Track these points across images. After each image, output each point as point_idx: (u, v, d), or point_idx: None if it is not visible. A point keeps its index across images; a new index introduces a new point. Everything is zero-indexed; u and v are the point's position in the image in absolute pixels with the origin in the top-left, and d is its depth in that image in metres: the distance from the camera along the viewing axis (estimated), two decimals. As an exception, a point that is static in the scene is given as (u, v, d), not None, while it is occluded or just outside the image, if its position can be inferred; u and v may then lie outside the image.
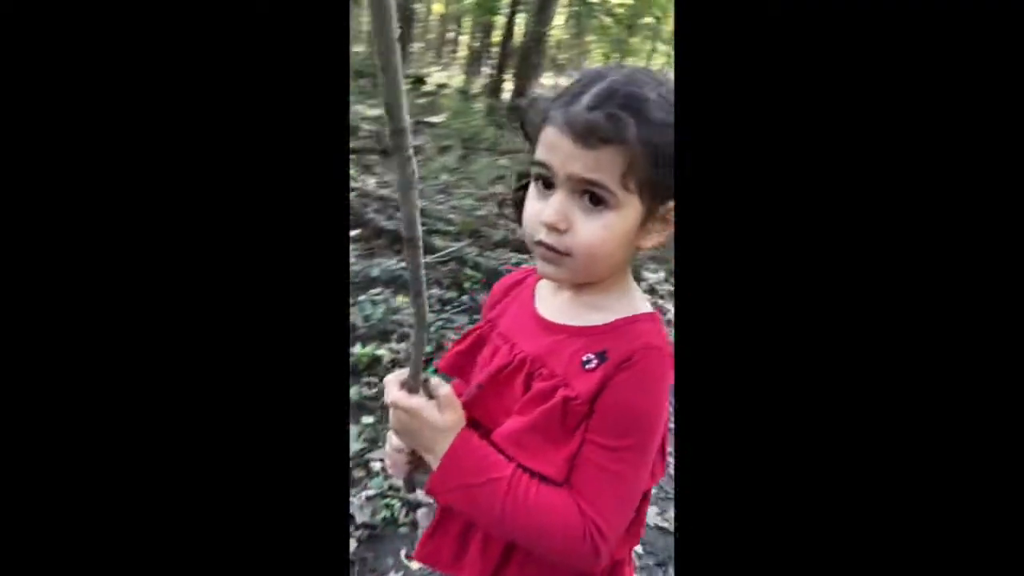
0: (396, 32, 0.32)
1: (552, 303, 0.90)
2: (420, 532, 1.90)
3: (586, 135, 0.74)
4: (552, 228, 0.77)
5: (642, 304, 0.88)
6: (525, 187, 0.87)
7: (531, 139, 0.84)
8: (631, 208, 0.77)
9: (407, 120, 0.37)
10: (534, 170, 0.81)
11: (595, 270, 0.82)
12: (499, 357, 0.88)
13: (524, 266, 1.04)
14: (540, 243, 0.79)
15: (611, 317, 0.84)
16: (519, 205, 0.89)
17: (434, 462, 0.80)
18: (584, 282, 0.85)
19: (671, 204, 0.79)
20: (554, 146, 0.77)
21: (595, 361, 0.80)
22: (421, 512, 1.97)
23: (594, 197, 0.76)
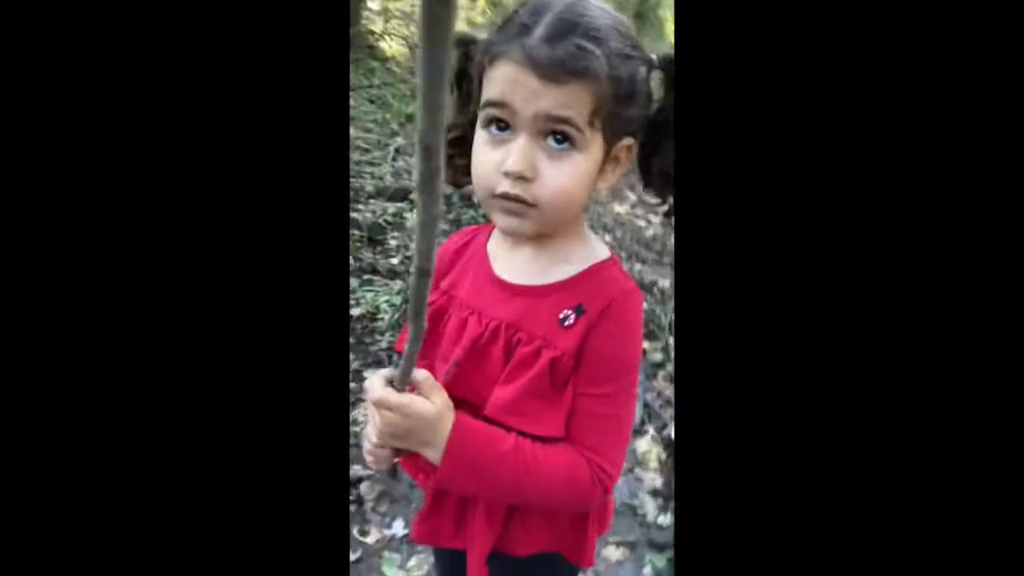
0: (449, 69, 0.31)
1: (511, 263, 0.86)
2: (367, 506, 1.89)
3: (554, 69, 0.68)
4: (519, 177, 0.71)
5: (601, 249, 0.87)
6: (459, 139, 0.82)
7: (467, 80, 0.78)
8: (595, 147, 0.74)
9: (442, 162, 0.35)
10: (486, 112, 0.73)
11: (562, 218, 0.78)
12: (470, 329, 0.83)
13: (466, 227, 0.97)
14: (504, 196, 0.73)
15: (576, 268, 0.83)
16: (455, 158, 0.84)
17: (434, 454, 0.76)
18: (545, 233, 0.81)
19: (628, 141, 0.77)
20: (513, 83, 0.70)
21: (573, 316, 0.79)
22: (364, 486, 1.96)
23: (561, 137, 0.71)
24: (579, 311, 0.79)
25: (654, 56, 0.78)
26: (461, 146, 0.82)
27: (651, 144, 0.82)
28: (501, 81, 0.72)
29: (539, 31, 0.69)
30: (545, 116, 0.70)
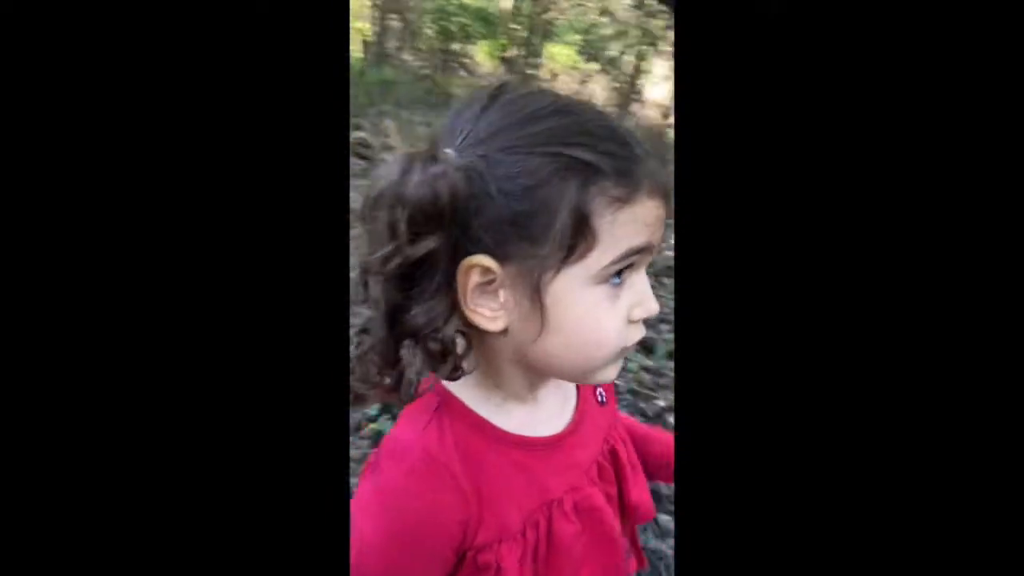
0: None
1: (540, 415, 0.66)
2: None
3: (668, 192, 0.54)
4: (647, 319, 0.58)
5: None
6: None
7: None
8: None
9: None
10: (620, 264, 0.53)
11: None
12: (590, 503, 0.65)
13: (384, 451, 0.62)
14: (637, 344, 0.59)
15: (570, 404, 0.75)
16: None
17: None
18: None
19: None
20: (656, 220, 0.54)
21: (601, 391, 0.74)
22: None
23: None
24: (600, 394, 0.75)
25: None
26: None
27: None
28: (643, 221, 0.53)
29: (640, 149, 0.53)
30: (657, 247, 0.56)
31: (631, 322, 0.55)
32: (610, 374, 0.59)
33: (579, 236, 0.50)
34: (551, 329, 0.53)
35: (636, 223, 0.52)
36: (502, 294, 0.52)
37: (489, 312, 0.53)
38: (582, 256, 0.51)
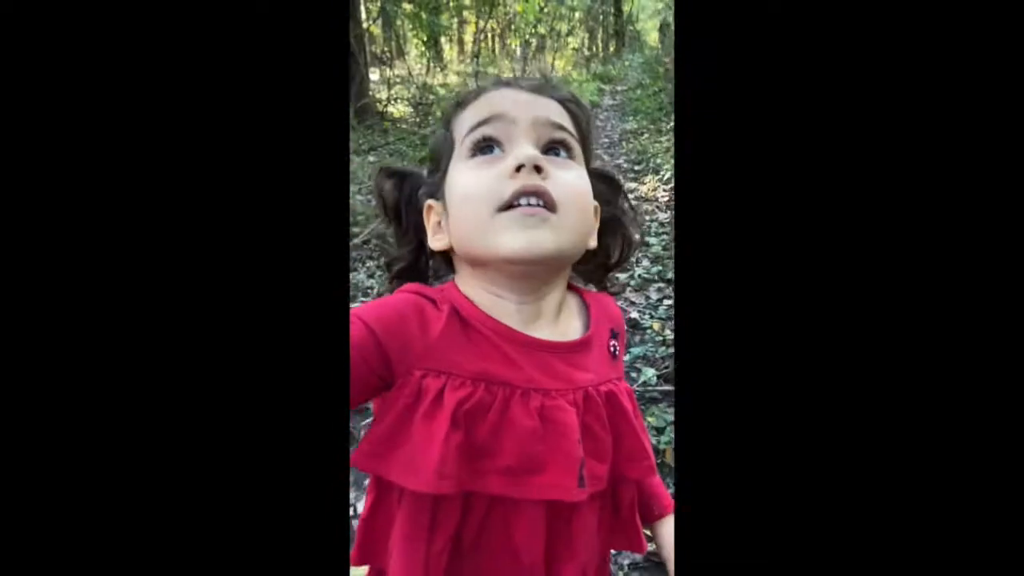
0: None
1: (530, 321, 0.68)
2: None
3: (542, 87, 0.70)
4: (535, 168, 0.62)
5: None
6: (405, 271, 0.76)
7: (407, 210, 0.74)
8: (584, 169, 0.71)
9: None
10: (471, 137, 0.66)
11: (580, 239, 0.67)
12: (561, 417, 0.63)
13: (408, 287, 0.70)
14: (521, 194, 0.61)
15: (581, 303, 0.76)
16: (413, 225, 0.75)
17: None
18: (554, 270, 0.68)
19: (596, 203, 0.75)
20: (503, 97, 0.69)
21: (615, 344, 0.75)
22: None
23: (561, 150, 0.68)
24: (614, 336, 0.75)
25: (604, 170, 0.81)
26: (406, 278, 0.75)
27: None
28: (488, 103, 0.69)
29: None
30: (545, 122, 0.67)
31: (515, 170, 0.63)
32: (514, 239, 0.61)
33: (446, 139, 0.72)
34: (451, 216, 0.68)
35: (478, 108, 0.69)
36: (441, 221, 0.71)
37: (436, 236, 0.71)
38: (452, 150, 0.70)
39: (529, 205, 0.62)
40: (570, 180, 0.65)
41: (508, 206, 0.62)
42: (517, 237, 0.61)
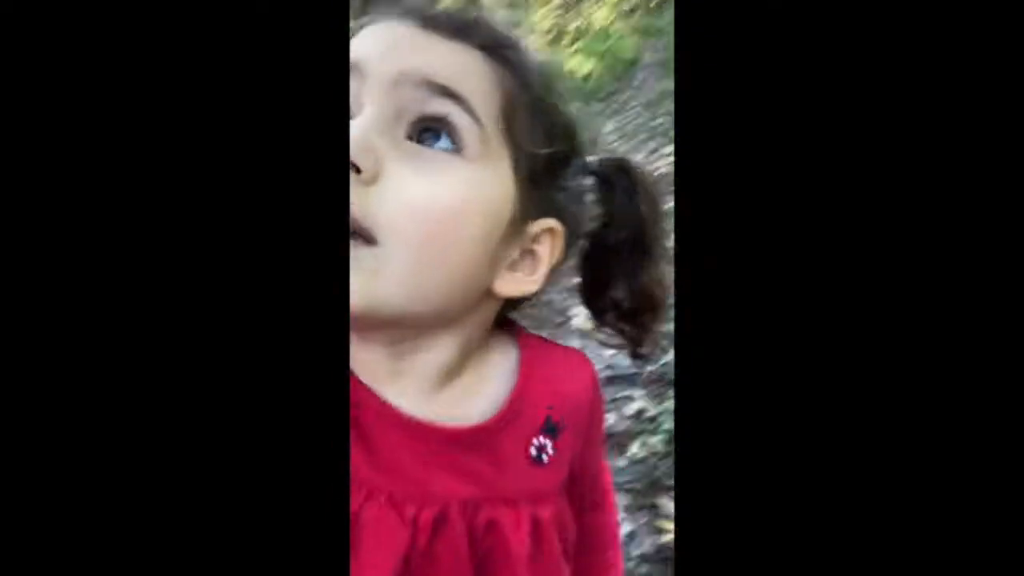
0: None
1: (408, 385, 0.47)
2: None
3: (449, 23, 0.44)
4: (354, 168, 0.40)
5: (502, 326, 0.53)
6: None
7: None
8: (502, 178, 0.43)
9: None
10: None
11: (437, 288, 0.42)
12: (393, 535, 0.44)
13: None
14: None
15: (507, 363, 0.50)
16: None
17: None
18: (407, 324, 0.44)
19: (551, 223, 0.47)
20: (374, 40, 0.44)
21: (549, 443, 0.49)
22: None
23: (440, 131, 0.42)
24: (550, 428, 0.49)
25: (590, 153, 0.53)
26: None
27: (597, 269, 0.53)
28: (354, 45, 0.44)
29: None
30: (417, 81, 0.41)
31: None
32: None
33: None
34: None
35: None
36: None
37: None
38: None
39: None
40: (422, 190, 0.40)
41: None
42: None
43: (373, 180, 0.41)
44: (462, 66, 0.44)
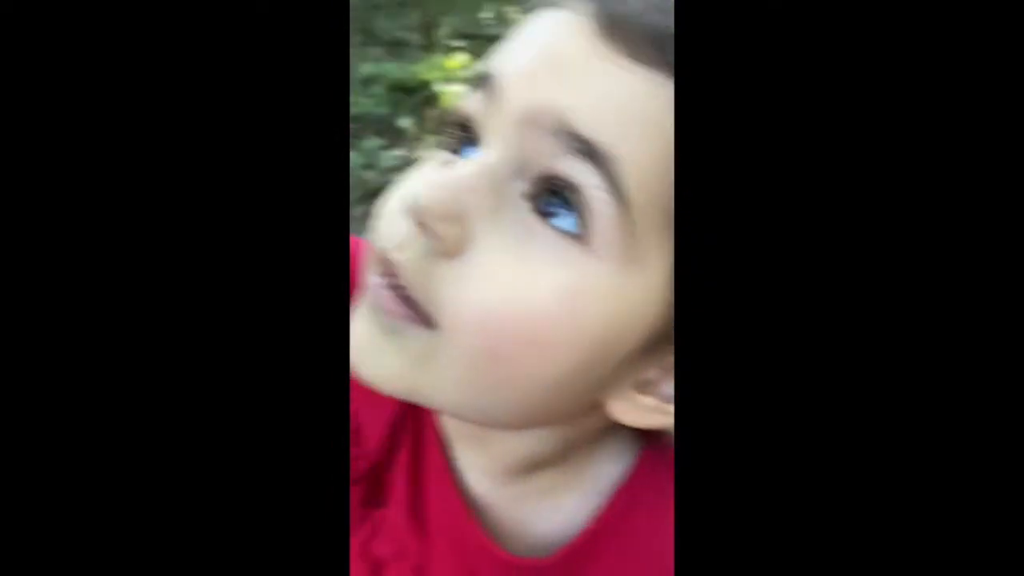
0: None
1: (479, 462, 0.41)
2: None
3: (631, 25, 0.30)
4: (423, 224, 0.31)
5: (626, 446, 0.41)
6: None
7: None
8: (647, 274, 0.31)
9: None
10: (452, 114, 0.35)
11: (501, 389, 0.32)
12: None
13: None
14: (379, 267, 0.33)
15: (593, 506, 0.40)
16: None
17: None
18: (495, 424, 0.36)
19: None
20: (523, 48, 0.33)
21: None
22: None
23: (569, 196, 0.30)
24: None
25: None
26: None
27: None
28: (500, 54, 0.34)
29: None
30: (555, 125, 0.29)
31: (411, 209, 0.33)
32: (353, 335, 0.34)
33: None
34: None
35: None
36: None
37: None
38: None
39: (380, 283, 0.32)
40: (514, 283, 0.30)
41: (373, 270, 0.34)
42: (353, 337, 0.33)
43: (452, 254, 0.30)
44: (632, 110, 0.29)
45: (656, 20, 0.30)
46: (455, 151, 0.35)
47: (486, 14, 5.10)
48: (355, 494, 0.42)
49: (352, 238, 0.40)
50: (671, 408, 0.34)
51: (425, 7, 4.94)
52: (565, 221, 0.31)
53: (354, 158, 3.19)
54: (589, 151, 0.29)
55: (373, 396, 0.37)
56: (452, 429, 0.41)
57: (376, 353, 0.33)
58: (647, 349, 0.33)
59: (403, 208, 0.32)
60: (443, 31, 4.64)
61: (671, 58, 0.29)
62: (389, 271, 0.32)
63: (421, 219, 0.30)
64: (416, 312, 0.32)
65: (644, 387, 0.35)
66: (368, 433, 0.42)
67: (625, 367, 0.33)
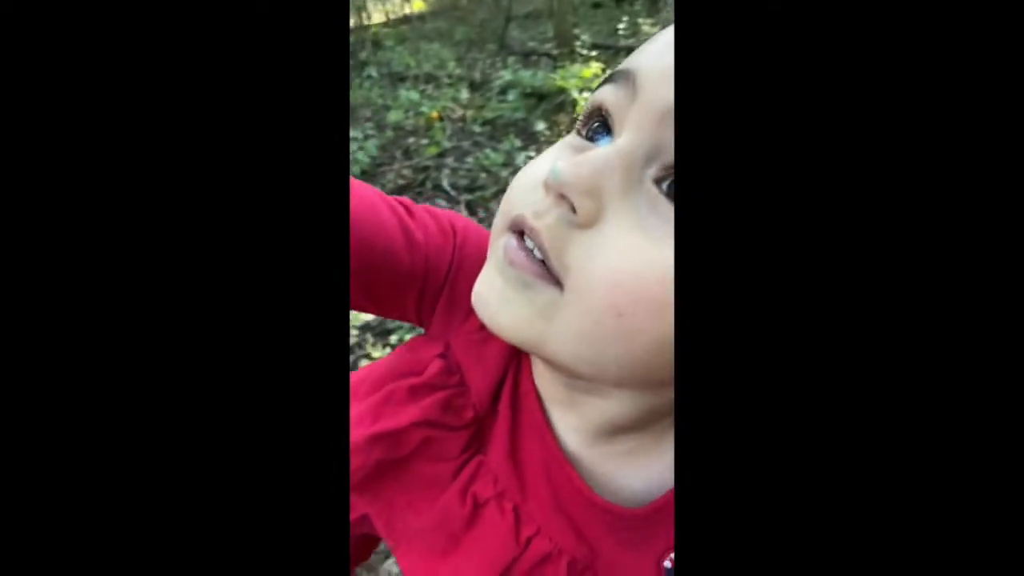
0: None
1: (580, 429, 0.44)
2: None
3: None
4: (560, 196, 0.34)
5: None
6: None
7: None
8: None
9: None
10: (587, 105, 0.39)
11: (616, 352, 0.36)
12: (492, 536, 0.45)
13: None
14: (515, 227, 0.36)
15: (670, 469, 0.44)
16: None
17: None
18: (596, 380, 0.40)
19: None
20: (668, 44, 0.35)
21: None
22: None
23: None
24: None
25: None
26: None
27: None
28: (649, 44, 0.37)
29: None
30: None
31: (547, 182, 0.36)
32: (477, 286, 0.38)
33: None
34: None
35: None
36: None
37: None
38: None
39: (514, 244, 0.36)
40: (637, 255, 0.34)
41: (506, 232, 0.37)
42: (480, 288, 0.38)
43: (586, 225, 0.34)
44: None
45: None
46: (590, 138, 0.38)
47: (621, 25, 5.18)
48: (460, 439, 0.46)
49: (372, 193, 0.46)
50: None
51: (560, 19, 5.10)
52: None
53: (494, 157, 3.42)
54: None
55: (482, 354, 0.45)
56: (547, 392, 0.45)
57: (505, 303, 0.36)
58: None
59: (546, 181, 0.35)
60: (578, 42, 4.78)
61: None
62: (525, 234, 0.36)
63: (563, 191, 0.34)
64: (548, 271, 0.35)
65: None
66: (475, 386, 0.45)
67: None
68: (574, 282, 0.34)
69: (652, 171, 0.34)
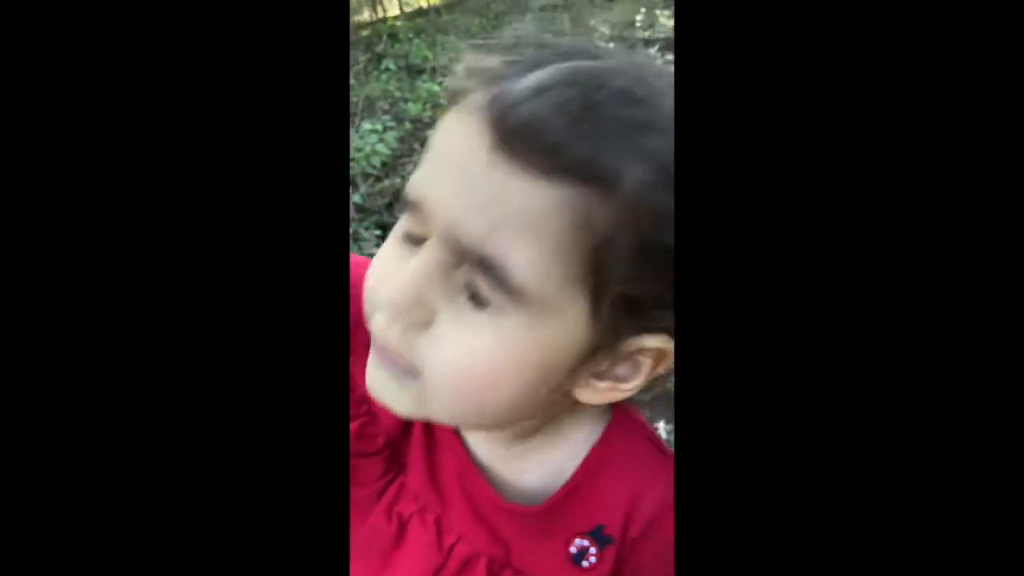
0: None
1: (486, 439, 0.51)
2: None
3: (518, 134, 0.36)
4: (397, 312, 0.40)
5: (601, 412, 0.51)
6: None
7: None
8: (567, 317, 0.39)
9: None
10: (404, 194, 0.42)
11: (479, 415, 0.44)
12: (420, 546, 0.51)
13: None
14: (374, 336, 0.43)
15: (572, 460, 0.50)
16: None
17: None
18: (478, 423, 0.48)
19: (659, 342, 0.41)
20: (448, 153, 0.40)
21: (594, 549, 0.49)
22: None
23: (477, 298, 0.39)
24: (600, 538, 0.49)
25: None
26: None
27: None
28: (434, 149, 0.41)
29: (535, 77, 0.37)
30: (455, 245, 0.38)
31: (386, 300, 0.42)
32: (368, 374, 0.45)
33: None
34: None
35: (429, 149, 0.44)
36: None
37: None
38: None
39: (377, 349, 0.44)
40: (461, 347, 0.40)
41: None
42: (369, 376, 0.45)
43: (422, 328, 0.41)
44: (519, 225, 0.36)
45: (550, 125, 0.35)
46: (413, 242, 0.42)
47: (638, 17, 5.17)
48: (377, 464, 0.53)
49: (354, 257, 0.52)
50: (624, 386, 0.44)
51: (577, 12, 5.10)
52: (480, 307, 0.40)
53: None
54: (484, 263, 0.37)
55: None
56: None
57: (388, 392, 0.44)
58: (589, 356, 0.42)
59: (380, 305, 0.42)
60: (595, 35, 4.80)
61: (563, 160, 0.35)
62: (383, 344, 0.42)
63: (394, 313, 0.41)
64: (407, 369, 0.42)
65: (599, 375, 0.44)
66: (383, 415, 0.52)
67: (576, 370, 0.43)
68: (428, 375, 0.42)
69: (461, 275, 0.40)
